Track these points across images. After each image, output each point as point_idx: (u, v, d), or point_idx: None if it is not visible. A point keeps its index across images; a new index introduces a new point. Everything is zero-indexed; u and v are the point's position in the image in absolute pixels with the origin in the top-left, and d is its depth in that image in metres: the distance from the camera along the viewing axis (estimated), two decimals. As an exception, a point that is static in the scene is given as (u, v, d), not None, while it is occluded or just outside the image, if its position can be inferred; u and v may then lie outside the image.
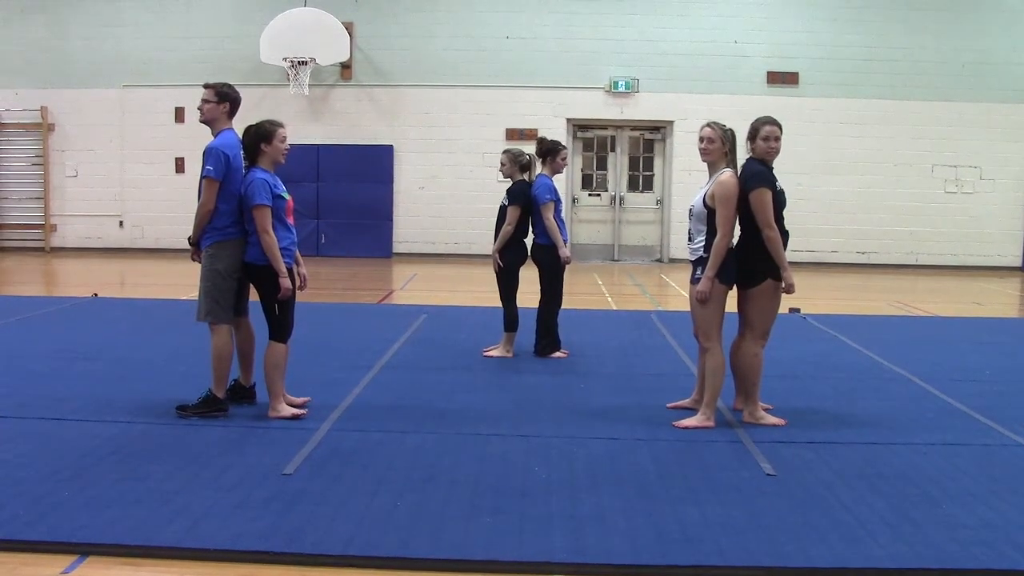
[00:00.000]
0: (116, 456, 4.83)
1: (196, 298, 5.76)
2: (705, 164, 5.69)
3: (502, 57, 17.13)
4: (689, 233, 5.73)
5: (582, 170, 17.80)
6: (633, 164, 17.83)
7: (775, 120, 5.63)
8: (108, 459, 4.78)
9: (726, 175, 5.51)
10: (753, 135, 5.62)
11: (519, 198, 7.68)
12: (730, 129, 5.66)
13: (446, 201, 17.26)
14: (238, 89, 5.85)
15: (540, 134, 18.00)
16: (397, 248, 17.45)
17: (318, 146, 17.21)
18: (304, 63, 16.01)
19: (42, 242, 17.77)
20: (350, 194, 17.23)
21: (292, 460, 4.79)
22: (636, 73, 17.15)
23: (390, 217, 17.42)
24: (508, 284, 7.79)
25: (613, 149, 17.76)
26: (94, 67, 17.35)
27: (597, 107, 17.31)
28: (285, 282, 5.51)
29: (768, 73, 16.97)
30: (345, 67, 17.11)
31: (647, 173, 17.83)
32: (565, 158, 7.88)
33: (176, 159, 17.04)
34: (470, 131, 17.20)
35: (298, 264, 5.82)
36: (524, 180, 7.78)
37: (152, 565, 3.65)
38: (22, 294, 11.96)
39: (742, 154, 5.72)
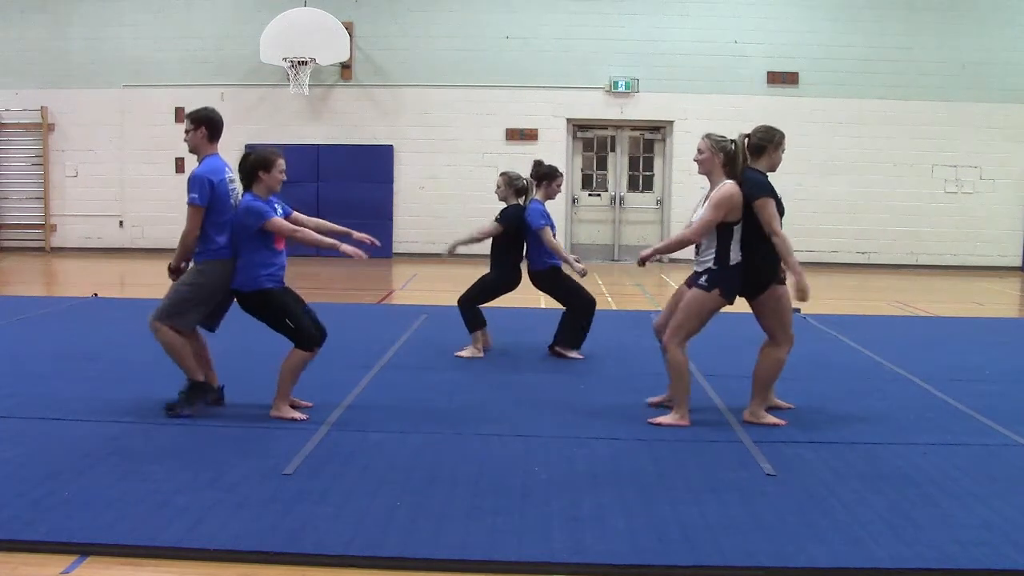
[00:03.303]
0: (116, 456, 4.83)
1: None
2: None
3: (502, 57, 17.13)
4: (696, 247, 5.74)
5: (582, 170, 17.81)
6: (633, 164, 17.83)
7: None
8: (108, 459, 4.78)
9: (728, 185, 5.51)
10: (776, 146, 5.63)
11: (506, 220, 7.68)
12: (730, 141, 5.65)
13: (446, 201, 17.26)
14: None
15: (540, 134, 17.78)
16: (397, 248, 17.45)
17: (318, 146, 17.21)
18: (304, 63, 16.00)
19: (42, 242, 17.77)
20: (350, 194, 17.22)
21: (292, 460, 4.78)
22: (636, 73, 17.15)
23: (390, 217, 17.42)
24: (480, 292, 7.77)
25: (613, 149, 17.77)
26: (94, 67, 17.34)
27: (597, 107, 17.31)
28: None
29: (768, 73, 16.96)
30: (345, 67, 17.11)
31: (647, 173, 17.83)
32: (560, 184, 7.85)
33: (176, 159, 17.00)
34: (470, 131, 17.20)
35: (342, 235, 5.82)
36: (518, 204, 7.77)
37: (152, 565, 3.65)
38: (22, 294, 11.96)
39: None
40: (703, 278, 5.58)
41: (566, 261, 7.70)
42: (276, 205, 5.68)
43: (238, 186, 5.75)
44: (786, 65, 16.97)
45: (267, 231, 5.52)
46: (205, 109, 5.82)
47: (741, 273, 5.57)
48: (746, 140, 5.67)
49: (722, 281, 5.54)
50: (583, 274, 7.75)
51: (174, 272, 5.75)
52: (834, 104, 16.94)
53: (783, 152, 5.71)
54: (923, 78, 16.91)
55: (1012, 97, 16.92)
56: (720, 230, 5.52)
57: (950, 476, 4.76)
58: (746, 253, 5.57)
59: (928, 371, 7.35)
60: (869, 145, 17.03)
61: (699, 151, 5.65)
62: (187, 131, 5.76)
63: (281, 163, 5.65)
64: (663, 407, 5.96)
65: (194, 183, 5.58)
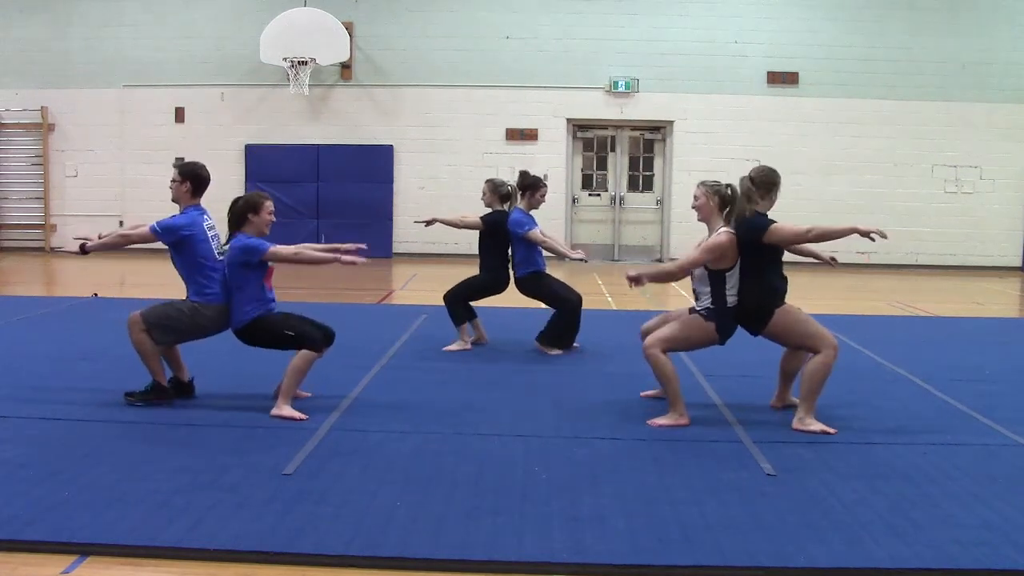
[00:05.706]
0: (116, 456, 4.83)
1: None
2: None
3: (502, 57, 17.14)
4: (695, 293, 5.76)
5: (582, 170, 17.82)
6: (633, 164, 17.84)
7: None
8: (108, 459, 4.78)
9: (723, 234, 5.53)
10: (770, 188, 5.62)
11: (487, 221, 7.88)
12: (725, 186, 5.66)
13: (446, 201, 17.21)
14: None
15: (540, 134, 17.75)
16: (397, 248, 17.45)
17: (318, 146, 17.22)
18: (304, 63, 16.01)
19: (42, 242, 17.78)
20: (350, 194, 17.24)
21: (292, 460, 4.78)
22: (636, 73, 17.16)
23: (390, 217, 17.43)
24: (465, 290, 7.91)
25: (613, 149, 17.77)
26: (94, 67, 17.35)
27: (597, 107, 17.32)
28: None
29: (768, 73, 16.96)
30: (345, 67, 17.12)
31: (647, 173, 17.83)
32: (544, 195, 8.02)
33: (176, 159, 17.01)
34: (470, 131, 17.21)
35: (329, 251, 6.01)
36: (502, 210, 7.94)
37: (152, 565, 3.65)
38: (22, 294, 11.96)
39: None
40: (704, 311, 5.65)
41: (562, 254, 7.88)
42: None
43: (219, 232, 5.90)
44: (786, 65, 16.97)
45: (266, 262, 5.66)
46: (194, 165, 5.97)
47: (736, 316, 5.63)
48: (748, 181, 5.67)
49: (720, 318, 5.61)
50: (584, 260, 7.94)
51: (80, 241, 5.99)
52: (834, 104, 16.94)
53: (775, 196, 5.69)
54: (923, 78, 16.92)
55: (1012, 97, 16.93)
56: (713, 276, 5.57)
57: (950, 476, 4.76)
58: (743, 292, 5.60)
59: (928, 371, 7.35)
60: (869, 145, 17.04)
61: (695, 198, 5.70)
62: (173, 180, 5.89)
63: (269, 205, 5.79)
64: (658, 399, 5.96)
65: (167, 227, 5.76)
